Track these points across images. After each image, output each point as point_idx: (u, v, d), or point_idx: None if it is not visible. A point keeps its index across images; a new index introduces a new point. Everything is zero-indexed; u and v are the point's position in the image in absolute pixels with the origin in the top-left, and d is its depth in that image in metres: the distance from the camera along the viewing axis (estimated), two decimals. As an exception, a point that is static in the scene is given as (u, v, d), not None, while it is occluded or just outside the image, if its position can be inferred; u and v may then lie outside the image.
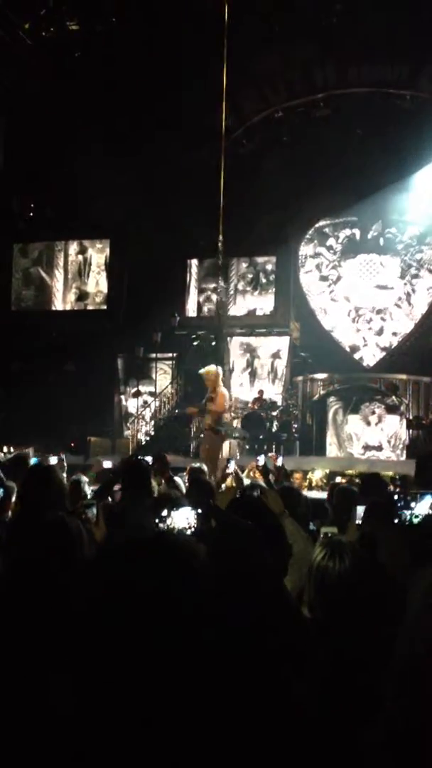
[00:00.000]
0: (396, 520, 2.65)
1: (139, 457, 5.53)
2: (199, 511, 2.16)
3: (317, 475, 8.78)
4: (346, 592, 2.57)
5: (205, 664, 1.27)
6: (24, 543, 2.32)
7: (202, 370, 12.58)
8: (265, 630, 1.83)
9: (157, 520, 2.20)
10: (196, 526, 2.19)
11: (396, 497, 2.62)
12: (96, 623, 1.28)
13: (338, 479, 11.24)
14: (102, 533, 3.59)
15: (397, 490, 7.56)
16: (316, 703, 1.73)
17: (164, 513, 2.16)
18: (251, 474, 8.85)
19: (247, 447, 17.43)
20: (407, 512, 2.64)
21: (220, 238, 13.24)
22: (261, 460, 7.14)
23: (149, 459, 5.78)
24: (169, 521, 2.15)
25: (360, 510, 4.10)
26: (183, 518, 2.15)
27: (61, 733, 1.43)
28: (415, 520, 2.61)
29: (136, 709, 1.21)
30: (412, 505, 2.65)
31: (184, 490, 5.71)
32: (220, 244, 13.76)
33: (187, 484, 6.21)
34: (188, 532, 2.23)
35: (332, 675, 2.10)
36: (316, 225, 20.37)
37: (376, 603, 2.55)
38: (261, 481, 7.23)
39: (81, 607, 1.35)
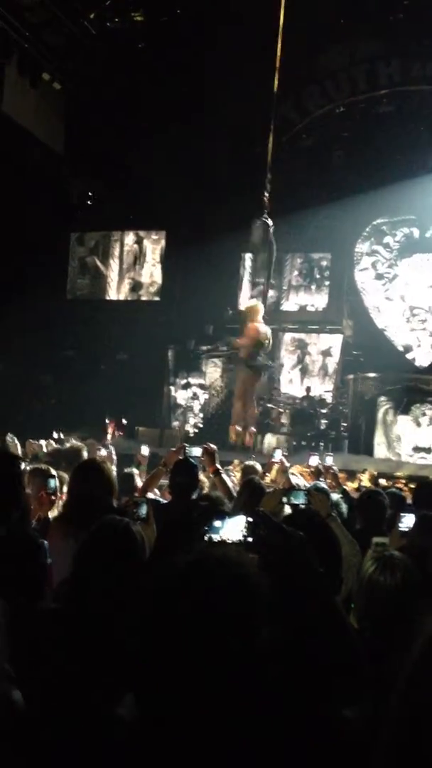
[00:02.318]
0: None
1: (188, 454, 5.51)
2: (250, 519, 2.14)
3: (364, 481, 8.67)
4: (396, 606, 2.53)
5: (253, 689, 1.25)
6: (86, 547, 2.35)
7: (249, 307, 12.52)
8: (317, 646, 1.81)
9: (207, 528, 2.19)
10: (246, 535, 2.16)
11: None
12: (152, 640, 1.29)
13: (382, 481, 11.09)
14: (152, 533, 3.62)
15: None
16: (368, 728, 1.71)
17: (217, 523, 2.14)
18: (295, 473, 8.78)
19: (294, 443, 17.38)
20: None
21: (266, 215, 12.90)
22: (314, 460, 7.07)
23: (197, 450, 5.74)
24: (221, 532, 2.13)
25: (408, 518, 4.03)
26: (236, 528, 2.14)
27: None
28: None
29: (187, 728, 1.21)
30: None
31: (230, 485, 5.68)
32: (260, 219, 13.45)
33: (237, 483, 6.18)
34: (239, 540, 2.20)
35: (380, 694, 2.07)
36: (374, 222, 20.13)
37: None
38: (306, 483, 7.17)
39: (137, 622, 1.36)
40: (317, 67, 17.34)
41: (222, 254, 19.39)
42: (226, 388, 20.20)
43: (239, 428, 12.16)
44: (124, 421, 17.22)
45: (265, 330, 12.25)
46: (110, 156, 18.13)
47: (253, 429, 13.08)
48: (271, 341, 12.88)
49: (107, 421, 16.48)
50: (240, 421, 12.32)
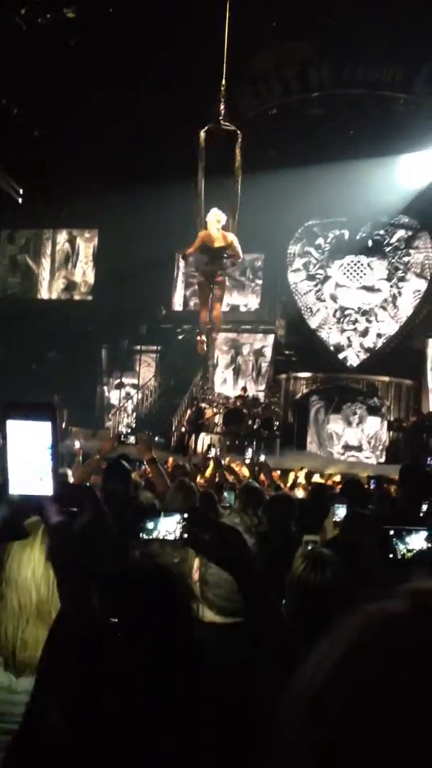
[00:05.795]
0: (391, 555, 2.65)
1: (120, 458, 5.47)
2: (185, 515, 2.16)
3: (301, 478, 8.78)
4: (326, 605, 2.56)
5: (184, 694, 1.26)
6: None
7: (215, 213, 12.76)
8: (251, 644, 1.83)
9: (140, 528, 2.20)
10: (182, 532, 2.18)
11: (392, 532, 2.62)
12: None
13: (317, 477, 11.24)
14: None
15: (373, 489, 7.60)
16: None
17: (149, 524, 2.15)
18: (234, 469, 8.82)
19: (228, 443, 17.47)
20: (401, 546, 2.65)
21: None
22: (248, 453, 7.21)
23: (132, 439, 5.73)
24: (155, 533, 2.14)
25: (340, 509, 4.11)
26: (170, 526, 2.15)
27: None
28: (408, 555, 2.62)
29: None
30: (407, 539, 2.66)
31: (164, 474, 5.66)
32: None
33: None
34: (171, 538, 2.22)
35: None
36: (306, 224, 20.37)
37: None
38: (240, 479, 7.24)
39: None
40: (249, 68, 17.41)
41: (155, 254, 19.34)
42: (160, 388, 20.17)
43: (204, 337, 13.11)
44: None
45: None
46: (43, 153, 17.89)
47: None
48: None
49: None
50: (205, 328, 13.18)
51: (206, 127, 12.06)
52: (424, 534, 2.59)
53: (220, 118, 11.97)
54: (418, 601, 0.62)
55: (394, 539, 2.63)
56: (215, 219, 12.64)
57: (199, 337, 13.96)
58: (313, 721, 0.59)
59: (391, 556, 2.64)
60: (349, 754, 0.57)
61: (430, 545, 2.59)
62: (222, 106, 11.96)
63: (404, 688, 0.57)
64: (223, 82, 11.98)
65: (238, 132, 12.18)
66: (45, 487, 1.27)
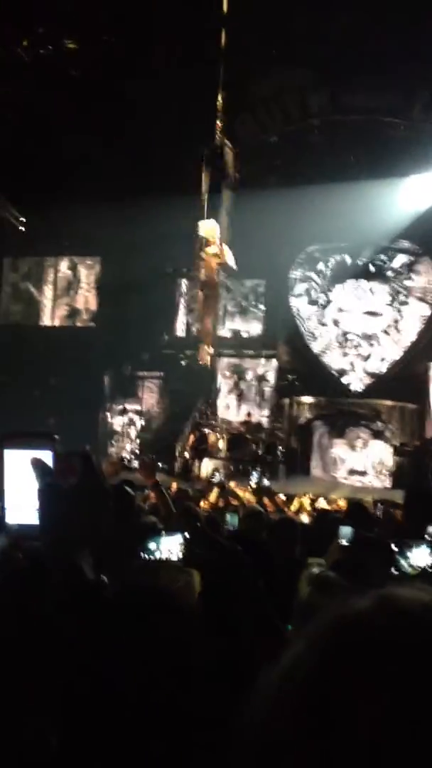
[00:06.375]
0: (394, 570, 2.63)
1: (124, 483, 5.44)
2: (186, 535, 2.13)
3: (306, 503, 8.74)
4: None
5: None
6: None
7: (207, 229, 12.84)
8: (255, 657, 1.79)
9: (141, 549, 2.16)
10: (182, 552, 2.15)
11: (394, 546, 2.60)
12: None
13: (322, 502, 11.20)
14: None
15: (378, 514, 7.54)
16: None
17: (151, 545, 2.12)
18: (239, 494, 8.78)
19: (232, 468, 17.41)
20: (403, 561, 2.62)
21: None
22: (254, 477, 7.18)
23: (136, 464, 5.70)
24: (157, 553, 2.11)
25: (345, 531, 4.07)
26: (172, 546, 2.12)
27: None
28: (411, 571, 2.58)
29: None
30: (409, 554, 2.63)
31: (168, 499, 5.62)
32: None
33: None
34: (174, 558, 2.19)
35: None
36: (307, 249, 20.44)
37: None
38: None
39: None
40: (249, 97, 17.58)
41: (157, 280, 19.42)
42: (163, 414, 20.16)
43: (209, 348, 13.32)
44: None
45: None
46: (44, 180, 18.02)
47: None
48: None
49: None
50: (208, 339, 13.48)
51: (206, 150, 12.20)
52: (427, 549, 2.56)
53: (217, 135, 12.09)
54: (380, 602, 0.68)
55: (398, 556, 2.60)
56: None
57: (201, 347, 14.19)
58: (278, 705, 0.65)
59: (395, 572, 2.61)
60: (305, 739, 0.62)
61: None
62: (219, 124, 12.09)
63: (355, 676, 0.62)
64: (219, 99, 12.10)
65: (232, 149, 12.30)
66: None
